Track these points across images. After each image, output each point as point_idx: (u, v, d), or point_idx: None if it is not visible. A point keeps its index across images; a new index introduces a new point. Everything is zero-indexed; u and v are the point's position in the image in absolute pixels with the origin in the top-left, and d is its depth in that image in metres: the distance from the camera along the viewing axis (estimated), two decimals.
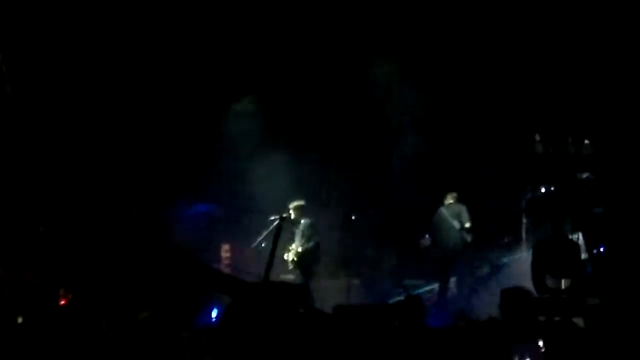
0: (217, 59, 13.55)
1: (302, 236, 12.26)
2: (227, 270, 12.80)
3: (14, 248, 7.66)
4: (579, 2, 13.12)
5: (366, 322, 8.45)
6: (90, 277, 7.73)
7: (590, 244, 11.69)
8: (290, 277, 12.04)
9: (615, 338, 6.91)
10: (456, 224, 13.19)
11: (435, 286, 13.59)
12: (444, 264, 13.45)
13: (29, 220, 8.28)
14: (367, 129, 14.31)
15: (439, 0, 13.95)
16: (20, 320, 6.89)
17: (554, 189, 12.82)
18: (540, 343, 7.12)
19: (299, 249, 12.21)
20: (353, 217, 12.98)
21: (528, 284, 9.41)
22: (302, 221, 12.28)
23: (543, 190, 13.11)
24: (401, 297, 11.21)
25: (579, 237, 11.81)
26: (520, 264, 12.21)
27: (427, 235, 14.07)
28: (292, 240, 12.29)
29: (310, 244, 12.23)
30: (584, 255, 11.12)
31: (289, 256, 12.22)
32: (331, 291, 11.99)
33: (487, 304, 9.86)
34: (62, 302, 7.68)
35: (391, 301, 11.60)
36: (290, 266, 12.24)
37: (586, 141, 12.57)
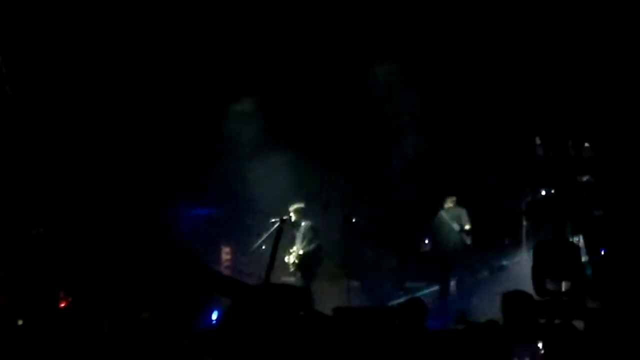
0: (217, 59, 13.53)
1: (303, 239, 12.24)
2: (227, 273, 12.80)
3: (14, 249, 7.66)
4: (579, 5, 13.10)
5: (366, 324, 8.46)
6: (90, 278, 7.73)
7: (590, 247, 11.71)
8: (291, 279, 12.03)
9: (615, 341, 6.92)
10: (456, 226, 13.20)
11: (436, 288, 13.59)
12: (444, 267, 13.45)
13: (30, 221, 8.27)
14: (367, 129, 14.29)
15: (440, 1, 13.94)
16: (20, 322, 6.89)
17: (554, 191, 12.85)
18: (540, 345, 7.14)
19: (300, 252, 12.19)
20: (354, 220, 12.95)
21: (528, 286, 9.42)
22: (303, 223, 12.26)
23: (543, 192, 13.14)
24: (401, 300, 11.23)
25: (579, 240, 11.83)
26: (520, 267, 12.23)
27: (426, 240, 14.07)
28: (292, 243, 12.28)
29: (312, 247, 12.21)
30: (584, 258, 11.13)
31: (290, 259, 12.21)
32: (331, 293, 11.96)
33: (487, 307, 9.87)
34: (62, 305, 7.68)
35: (391, 303, 11.59)
36: (292, 269, 12.23)
37: (586, 144, 12.59)
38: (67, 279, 7.80)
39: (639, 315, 8.00)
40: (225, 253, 13.54)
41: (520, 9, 13.32)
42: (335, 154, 14.51)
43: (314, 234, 12.25)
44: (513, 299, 7.47)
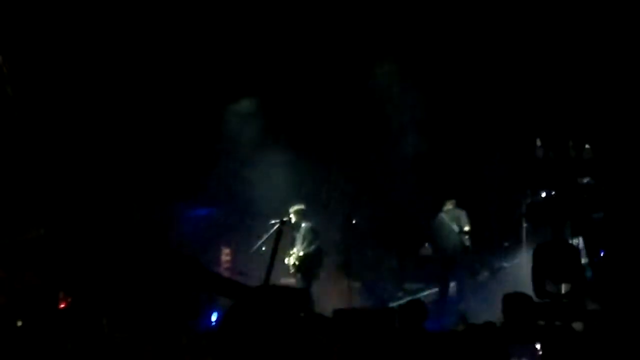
0: (217, 59, 13.53)
1: (303, 240, 12.24)
2: (227, 274, 12.80)
3: (14, 250, 7.65)
4: (580, 6, 13.10)
5: (366, 325, 8.46)
6: (90, 279, 7.72)
7: (590, 249, 11.71)
8: (291, 281, 12.04)
9: (615, 343, 6.93)
10: (455, 228, 13.20)
11: (435, 290, 13.59)
12: (444, 268, 13.45)
13: (30, 222, 8.26)
14: (367, 129, 14.29)
15: (441, 2, 13.94)
16: (19, 323, 6.89)
17: (555, 193, 12.83)
18: (538, 346, 7.16)
19: (300, 253, 12.20)
20: (354, 221, 12.95)
21: (528, 288, 9.42)
22: (303, 225, 12.26)
23: (543, 194, 13.13)
24: (402, 301, 11.24)
25: (579, 242, 11.82)
26: (520, 268, 12.22)
27: (427, 244, 14.08)
28: (292, 245, 12.28)
29: (312, 248, 12.21)
30: (584, 260, 11.12)
31: (290, 260, 12.21)
32: (331, 294, 11.97)
33: (487, 308, 9.88)
34: (62, 305, 7.68)
35: (391, 304, 11.60)
36: (292, 270, 12.23)
37: (587, 146, 12.57)
38: (66, 279, 7.79)
39: (639, 318, 8.00)
40: (225, 254, 13.54)
41: (521, 11, 13.32)
42: (335, 154, 14.51)
43: (314, 235, 12.26)
44: (513, 300, 7.48)
